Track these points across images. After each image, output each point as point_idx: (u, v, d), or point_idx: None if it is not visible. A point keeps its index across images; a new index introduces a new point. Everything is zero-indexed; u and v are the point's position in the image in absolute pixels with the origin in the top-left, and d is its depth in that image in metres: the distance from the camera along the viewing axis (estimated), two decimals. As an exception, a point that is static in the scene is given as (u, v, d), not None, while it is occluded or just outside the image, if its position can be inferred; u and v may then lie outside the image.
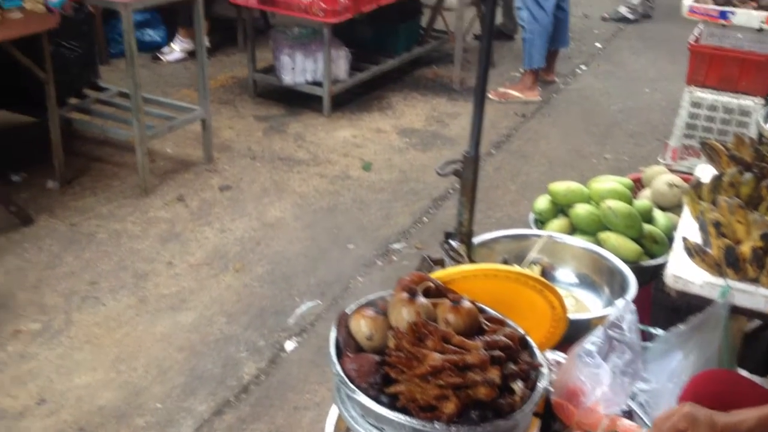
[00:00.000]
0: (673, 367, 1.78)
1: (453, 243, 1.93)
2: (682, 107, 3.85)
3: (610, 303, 2.14)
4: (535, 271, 2.32)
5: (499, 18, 6.15)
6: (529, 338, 1.55)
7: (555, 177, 3.89)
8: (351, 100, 4.81)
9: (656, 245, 2.42)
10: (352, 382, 1.39)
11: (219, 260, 3.06)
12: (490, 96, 4.94)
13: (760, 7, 3.59)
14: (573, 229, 2.52)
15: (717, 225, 1.81)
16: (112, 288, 2.82)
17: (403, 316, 1.48)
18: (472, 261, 1.95)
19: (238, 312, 2.76)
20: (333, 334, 1.51)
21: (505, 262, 2.21)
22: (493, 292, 1.71)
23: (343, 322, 1.54)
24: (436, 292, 1.60)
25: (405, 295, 1.53)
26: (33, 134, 3.69)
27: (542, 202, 2.63)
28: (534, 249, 2.31)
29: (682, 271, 1.83)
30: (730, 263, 1.76)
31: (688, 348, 1.79)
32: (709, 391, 1.54)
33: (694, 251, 1.82)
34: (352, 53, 4.76)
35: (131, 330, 2.63)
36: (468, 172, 1.90)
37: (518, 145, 4.37)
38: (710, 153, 2.25)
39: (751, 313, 1.80)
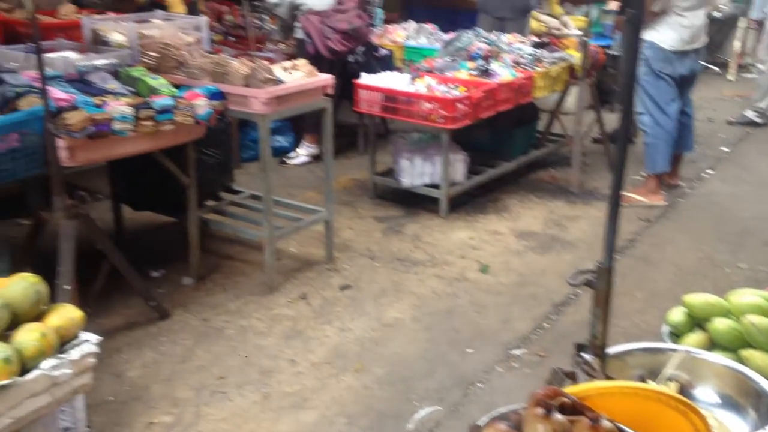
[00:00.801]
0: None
1: (586, 356, 1.87)
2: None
3: (756, 428, 1.98)
4: (672, 389, 2.20)
5: (616, 121, 6.13)
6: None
7: (685, 286, 3.74)
8: (467, 202, 4.87)
9: (807, 366, 2.24)
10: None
11: (339, 359, 3.10)
12: (611, 200, 4.86)
13: None
14: (711, 345, 2.38)
15: None
16: (239, 383, 2.90)
17: (541, 432, 1.44)
18: (607, 376, 1.88)
19: (358, 414, 2.76)
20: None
21: (642, 378, 2.11)
22: (631, 412, 1.63)
23: (474, 436, 1.51)
24: (572, 408, 1.55)
25: (540, 410, 1.49)
26: (172, 233, 3.97)
27: (677, 315, 2.51)
28: (671, 364, 2.20)
29: None
30: None
31: None
32: None
33: None
34: (469, 156, 4.87)
35: (256, 427, 2.68)
36: (602, 283, 1.86)
37: (643, 250, 4.24)
38: None
39: None
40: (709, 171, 5.49)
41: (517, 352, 3.22)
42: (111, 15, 4.46)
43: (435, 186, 4.70)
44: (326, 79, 3.73)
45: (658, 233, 4.46)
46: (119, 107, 2.91)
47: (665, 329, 2.54)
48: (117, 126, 2.89)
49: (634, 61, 1.93)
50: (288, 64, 3.82)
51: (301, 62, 3.84)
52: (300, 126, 5.53)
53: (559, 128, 5.89)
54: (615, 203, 1.92)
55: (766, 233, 4.38)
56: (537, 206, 4.93)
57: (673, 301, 3.49)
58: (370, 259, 4.09)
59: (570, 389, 1.71)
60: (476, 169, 5.01)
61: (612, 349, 2.22)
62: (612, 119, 6.08)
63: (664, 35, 4.63)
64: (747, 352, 2.25)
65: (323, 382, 2.94)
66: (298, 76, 3.67)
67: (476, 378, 3.01)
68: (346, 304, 3.58)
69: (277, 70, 3.64)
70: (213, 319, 3.37)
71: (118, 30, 3.81)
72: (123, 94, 3.10)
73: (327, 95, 3.74)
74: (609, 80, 6.16)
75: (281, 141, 5.58)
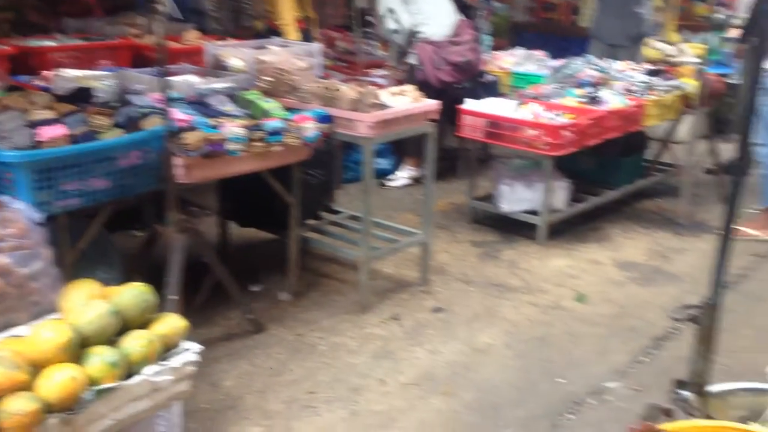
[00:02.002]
0: None
1: (685, 393, 1.80)
2: None
3: None
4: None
5: (734, 152, 5.84)
6: None
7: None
8: (567, 230, 4.78)
9: None
10: None
11: (428, 382, 3.11)
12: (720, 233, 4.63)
13: None
14: (823, 390, 2.22)
15: None
16: (328, 399, 2.96)
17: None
18: (706, 415, 1.80)
19: (444, 437, 2.76)
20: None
21: (743, 419, 2.00)
22: (727, 453, 1.56)
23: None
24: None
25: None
26: (274, 250, 4.12)
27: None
28: (775, 407, 2.07)
29: None
30: None
31: None
32: None
33: None
34: (572, 184, 4.78)
35: (342, 442, 2.73)
36: (707, 320, 1.79)
37: (753, 286, 4.01)
38: None
39: None
40: (831, 206, 5.12)
41: (611, 385, 3.12)
42: (231, 41, 4.71)
43: (534, 213, 4.64)
44: (432, 104, 3.80)
45: (770, 270, 4.21)
46: (233, 128, 3.08)
47: (772, 370, 2.39)
48: (230, 146, 3.06)
49: (753, 89, 1.87)
50: (396, 89, 3.91)
51: (408, 88, 3.92)
52: (401, 149, 5.62)
53: (669, 158, 5.68)
54: (726, 236, 1.86)
55: None
56: (641, 237, 4.77)
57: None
58: (464, 283, 4.08)
59: (666, 426, 1.65)
60: (579, 197, 4.92)
61: (713, 387, 2.12)
62: (727, 150, 5.80)
63: (787, 63, 4.39)
64: None
65: (411, 403, 2.95)
66: (404, 101, 3.75)
67: (566, 409, 2.94)
68: (438, 327, 3.59)
69: (384, 95, 3.74)
70: (307, 334, 3.46)
71: (237, 55, 4.03)
72: (238, 116, 3.27)
73: (431, 120, 3.80)
74: (727, 109, 5.89)
75: (382, 163, 5.68)
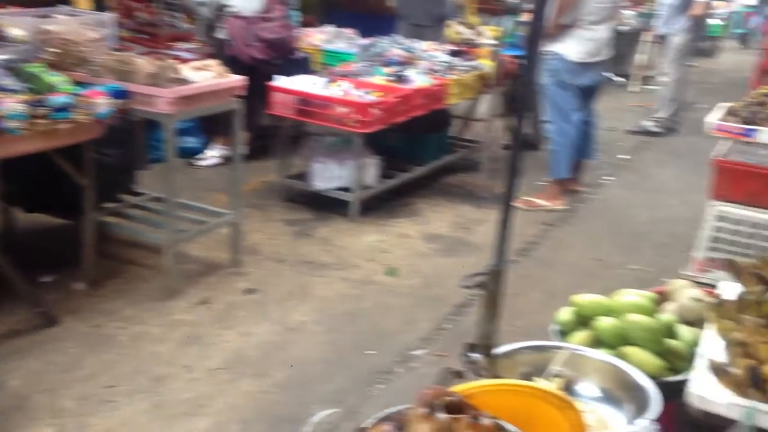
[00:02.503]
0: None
1: (475, 356, 1.91)
2: (707, 221, 3.83)
3: (633, 420, 2.06)
4: (557, 385, 2.27)
5: (528, 129, 6.32)
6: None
7: (579, 286, 3.86)
8: (379, 205, 4.90)
9: (680, 360, 2.35)
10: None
11: (238, 365, 3.05)
12: (516, 204, 5.00)
13: (783, 125, 3.64)
14: (596, 342, 2.47)
15: (742, 345, 1.78)
16: (129, 392, 2.81)
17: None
18: (495, 375, 1.92)
19: (253, 419, 2.73)
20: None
21: (527, 375, 2.17)
22: (514, 408, 1.67)
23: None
24: (457, 407, 1.57)
25: (424, 410, 1.51)
26: (68, 237, 3.81)
27: (565, 314, 2.60)
28: (556, 362, 2.27)
29: (707, 392, 1.78)
30: (755, 384, 1.71)
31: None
32: None
33: (718, 371, 1.77)
34: (382, 161, 4.90)
35: (144, 435, 2.61)
36: (493, 285, 1.90)
37: (543, 253, 4.38)
38: (735, 271, 2.23)
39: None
40: (608, 178, 5.72)
41: (417, 352, 3.26)
42: (11, 9, 4.26)
43: (347, 190, 4.71)
44: (237, 80, 3.69)
45: (557, 236, 4.61)
46: (11, 104, 2.80)
47: (554, 328, 2.62)
48: (9, 124, 2.79)
49: (531, 70, 1.99)
50: (198, 63, 3.75)
51: (212, 62, 3.77)
52: (210, 127, 5.43)
53: (470, 135, 6.01)
54: (507, 209, 1.97)
55: (657, 237, 4.60)
56: (446, 210, 5.01)
57: (567, 301, 3.63)
58: (277, 262, 4.05)
59: (456, 388, 1.74)
60: (389, 174, 5.05)
61: (501, 349, 2.27)
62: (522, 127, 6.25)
63: (570, 47, 4.81)
64: (627, 349, 2.35)
65: (219, 388, 2.89)
66: (207, 76, 3.61)
67: (375, 379, 3.03)
68: (250, 308, 3.53)
69: (186, 69, 3.57)
70: (105, 325, 3.25)
71: (17, 25, 3.66)
72: (18, 91, 2.97)
73: (238, 96, 3.70)
74: (520, 89, 6.34)
75: (191, 142, 5.46)
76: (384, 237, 4.50)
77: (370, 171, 4.83)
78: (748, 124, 3.73)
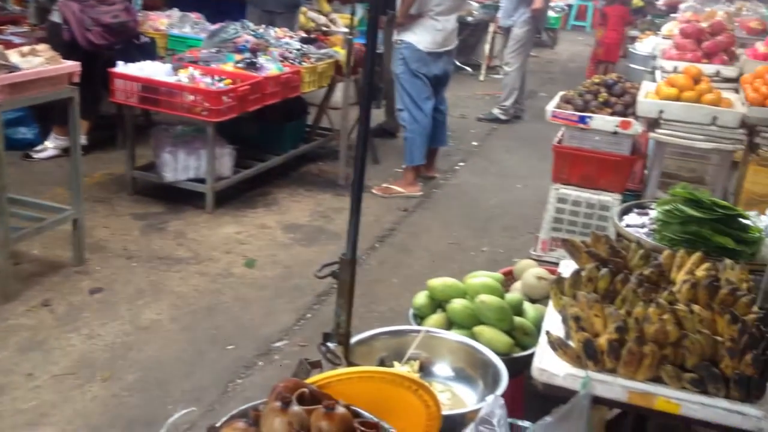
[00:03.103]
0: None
1: (330, 345, 1.92)
2: (549, 203, 4.09)
3: (484, 396, 2.16)
4: (413, 367, 2.34)
5: (382, 117, 6.42)
6: (401, 441, 1.54)
7: (436, 270, 4.01)
8: (235, 196, 4.79)
9: (526, 337, 2.50)
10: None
11: (85, 369, 2.88)
12: (373, 191, 5.08)
13: (614, 113, 3.94)
14: (450, 324, 2.56)
15: (577, 319, 1.91)
16: (-38, 406, 2.58)
17: (275, 427, 1.44)
18: (350, 363, 1.94)
19: (104, 425, 2.59)
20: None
21: (383, 361, 2.21)
22: (369, 395, 1.69)
23: (211, 436, 1.47)
24: (311, 398, 1.57)
25: (278, 404, 1.49)
26: None
27: (421, 298, 2.68)
28: (412, 345, 2.33)
29: (547, 364, 1.90)
30: (590, 355, 1.84)
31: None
32: None
33: (557, 345, 1.90)
34: (236, 150, 4.79)
35: (-19, 452, 2.40)
36: (345, 274, 1.91)
37: (401, 239, 4.48)
38: (571, 249, 2.38)
39: (610, 403, 1.88)
40: (460, 163, 5.94)
41: (278, 344, 3.23)
42: None
43: (201, 181, 4.56)
44: (70, 66, 3.45)
45: (414, 222, 4.73)
46: None
47: (411, 312, 2.69)
48: None
49: (372, 60, 2.00)
50: (26, 49, 3.46)
51: (42, 47, 3.50)
52: (47, 116, 5.05)
53: (327, 123, 6.01)
54: (357, 199, 1.98)
55: (506, 219, 4.84)
56: (305, 199, 4.99)
57: (424, 285, 3.75)
58: (126, 259, 3.85)
59: (311, 379, 1.73)
60: (244, 163, 4.95)
61: (358, 336, 2.30)
62: (378, 114, 6.35)
63: (419, 37, 4.92)
64: (478, 328, 2.46)
65: (65, 395, 2.71)
66: (36, 62, 3.34)
67: (236, 375, 2.97)
68: (97, 308, 3.34)
69: (13, 55, 3.29)
70: (-69, 335, 2.96)
71: None
72: None
73: (74, 84, 3.46)
74: (374, 78, 6.41)
75: (24, 133, 5.05)
76: (242, 228, 4.41)
77: (225, 161, 4.71)
78: (581, 111, 4.01)
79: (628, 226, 2.71)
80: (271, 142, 5.29)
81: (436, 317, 2.59)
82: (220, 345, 3.18)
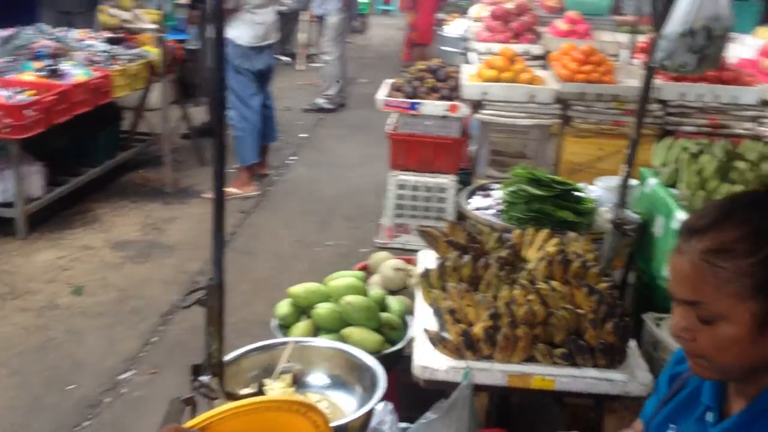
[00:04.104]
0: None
1: (203, 378, 1.77)
2: (389, 189, 4.14)
3: (363, 400, 2.12)
4: (286, 381, 2.24)
5: (205, 116, 6.14)
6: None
7: (284, 271, 3.91)
8: (50, 218, 4.36)
9: (394, 331, 2.48)
10: None
11: None
12: (205, 196, 4.85)
13: (443, 98, 4.05)
14: (317, 330, 2.49)
15: (452, 312, 1.92)
16: None
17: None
18: (228, 394, 1.80)
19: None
20: None
21: (257, 379, 2.09)
22: (257, 427, 1.58)
23: None
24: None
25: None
26: None
27: (283, 307, 2.57)
28: (282, 358, 2.23)
29: (427, 361, 1.89)
30: (468, 346, 1.86)
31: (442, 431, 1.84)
32: None
33: (436, 340, 1.89)
34: (47, 167, 4.34)
35: None
36: (213, 301, 1.76)
37: (243, 242, 4.31)
38: (429, 239, 2.40)
39: (491, 389, 1.91)
40: (292, 157, 5.85)
41: (125, 376, 2.97)
42: None
43: (8, 205, 4.08)
44: None
45: (255, 223, 4.58)
46: None
47: (274, 323, 2.58)
48: None
49: (220, 55, 1.85)
50: None
51: None
52: None
53: (146, 127, 5.64)
54: (219, 215, 1.82)
55: (346, 209, 4.83)
56: (131, 212, 4.64)
57: (276, 288, 3.63)
58: (-72, 303, 3.36)
59: (190, 423, 1.58)
60: (57, 180, 4.50)
61: (225, 357, 2.16)
62: (198, 114, 6.05)
63: (240, 32, 4.74)
64: (347, 331, 2.40)
65: None
66: None
67: (81, 417, 2.69)
68: None
69: None
70: None
71: None
72: None
73: None
74: (190, 75, 6.10)
75: None
76: (62, 252, 4.00)
77: (34, 180, 4.25)
78: (411, 98, 4.09)
79: (476, 209, 2.79)
80: (84, 154, 4.86)
81: (302, 325, 2.50)
82: (58, 386, 2.86)
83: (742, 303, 1.10)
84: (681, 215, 2.31)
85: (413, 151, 4.10)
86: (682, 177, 2.44)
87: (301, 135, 6.41)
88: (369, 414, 1.94)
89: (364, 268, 3.07)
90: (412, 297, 2.84)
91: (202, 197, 4.82)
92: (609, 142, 3.81)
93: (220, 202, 1.78)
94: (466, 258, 2.15)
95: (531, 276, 2.08)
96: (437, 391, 1.90)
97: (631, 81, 4.09)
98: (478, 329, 1.87)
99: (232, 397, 1.89)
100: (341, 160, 5.85)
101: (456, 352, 1.87)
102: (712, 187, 2.30)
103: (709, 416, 1.26)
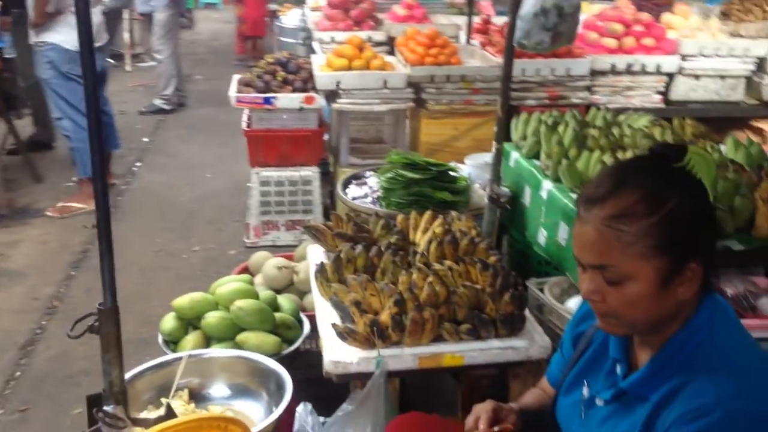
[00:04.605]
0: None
1: (108, 408, 1.65)
2: (253, 188, 4.05)
3: (270, 405, 2.08)
4: (183, 398, 2.15)
5: (33, 128, 5.65)
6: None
7: (151, 283, 3.71)
8: None
9: (290, 330, 2.46)
10: None
11: None
12: (49, 213, 4.49)
13: (296, 90, 4.02)
14: (209, 340, 2.40)
15: (357, 303, 1.93)
16: None
17: None
18: (133, 420, 1.70)
19: None
20: None
21: (155, 399, 1.99)
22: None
23: None
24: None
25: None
26: None
27: (169, 322, 2.45)
28: (178, 374, 2.13)
29: (338, 355, 1.89)
30: (378, 335, 1.88)
31: (359, 422, 1.85)
32: (411, 428, 1.63)
33: (345, 334, 1.90)
34: None
35: None
36: (108, 327, 1.65)
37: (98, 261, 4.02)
38: (315, 234, 2.39)
39: (404, 373, 1.95)
40: (137, 164, 5.53)
41: (-7, 421, 2.70)
42: None
43: None
44: None
45: (110, 238, 4.30)
46: None
47: (161, 339, 2.46)
48: None
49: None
50: None
51: None
52: None
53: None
54: (107, 233, 1.70)
55: (206, 213, 4.65)
56: (-37, 239, 4.18)
57: (145, 302, 3.45)
58: None
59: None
60: None
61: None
62: (25, 126, 5.56)
63: (65, 36, 4.38)
64: (242, 337, 2.35)
65: None
66: None
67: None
68: None
69: None
70: None
71: None
72: None
73: None
74: (8, 85, 5.55)
75: None
76: None
77: None
78: (263, 92, 4.01)
79: (353, 198, 2.81)
80: None
81: (192, 338, 2.40)
82: None
83: (646, 262, 1.20)
84: (548, 184, 2.48)
85: (272, 146, 4.03)
86: (544, 148, 2.61)
87: (143, 139, 6.08)
88: (281, 418, 1.92)
89: (245, 270, 3.01)
90: (298, 294, 2.84)
91: (47, 215, 4.45)
92: (462, 121, 3.98)
93: (106, 219, 1.67)
94: (359, 248, 2.17)
95: (424, 259, 2.14)
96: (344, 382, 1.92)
97: (473, 61, 4.30)
98: (385, 317, 1.90)
99: (139, 423, 1.79)
100: (191, 162, 5.62)
101: (366, 342, 1.89)
102: (573, 154, 2.48)
103: (618, 369, 1.36)
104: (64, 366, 3.04)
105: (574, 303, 2.25)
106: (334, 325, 1.92)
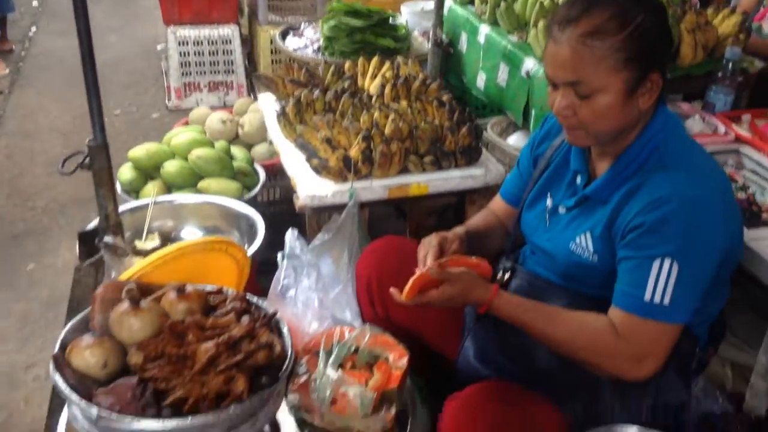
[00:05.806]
0: (329, 269, 2.00)
1: (108, 239, 1.73)
2: (171, 48, 3.94)
3: (244, 243, 2.21)
4: (155, 240, 2.24)
5: None
6: (249, 295, 1.57)
7: (78, 147, 3.61)
8: None
9: (247, 177, 2.56)
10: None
11: None
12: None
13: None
14: (169, 189, 2.46)
15: (328, 141, 2.05)
16: None
17: (140, 325, 1.35)
18: (133, 249, 1.80)
19: None
20: (60, 381, 1.27)
21: (163, 238, 2.09)
22: (185, 271, 1.63)
23: (63, 364, 1.31)
24: (140, 292, 1.47)
25: (126, 304, 1.38)
26: None
27: (126, 173, 2.48)
28: (148, 217, 2.21)
29: (314, 189, 2.03)
30: (349, 168, 2.03)
31: (335, 248, 2.04)
32: (387, 250, 1.77)
33: (320, 168, 2.03)
34: None
35: None
36: (99, 161, 1.70)
37: (15, 125, 3.88)
38: (267, 83, 2.45)
39: (375, 203, 2.12)
40: (33, 28, 5.18)
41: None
42: None
43: None
44: None
45: (20, 103, 4.09)
46: None
47: (120, 189, 2.48)
48: None
49: None
50: None
51: None
52: None
53: None
54: (92, 75, 1.70)
55: (121, 76, 4.45)
56: None
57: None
58: None
59: (123, 275, 1.59)
60: None
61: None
62: None
63: None
64: (203, 184, 2.43)
65: None
66: None
67: None
68: None
69: None
70: None
71: None
72: None
73: None
74: None
75: None
76: None
77: None
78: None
79: (294, 50, 2.85)
80: None
81: (152, 186, 2.45)
82: None
83: (617, 74, 1.37)
84: (486, 29, 2.61)
85: (186, 3, 3.90)
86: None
87: (33, 3, 5.64)
88: (258, 251, 2.06)
89: (186, 124, 3.01)
90: (245, 146, 2.91)
91: None
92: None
93: (90, 55, 1.67)
94: (317, 92, 2.27)
95: (380, 101, 2.27)
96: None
97: None
98: (355, 152, 2.05)
99: (138, 253, 1.90)
100: (96, 24, 5.28)
101: (339, 175, 2.03)
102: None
103: (579, 179, 1.55)
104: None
105: (514, 140, 2.47)
106: (308, 160, 2.04)
